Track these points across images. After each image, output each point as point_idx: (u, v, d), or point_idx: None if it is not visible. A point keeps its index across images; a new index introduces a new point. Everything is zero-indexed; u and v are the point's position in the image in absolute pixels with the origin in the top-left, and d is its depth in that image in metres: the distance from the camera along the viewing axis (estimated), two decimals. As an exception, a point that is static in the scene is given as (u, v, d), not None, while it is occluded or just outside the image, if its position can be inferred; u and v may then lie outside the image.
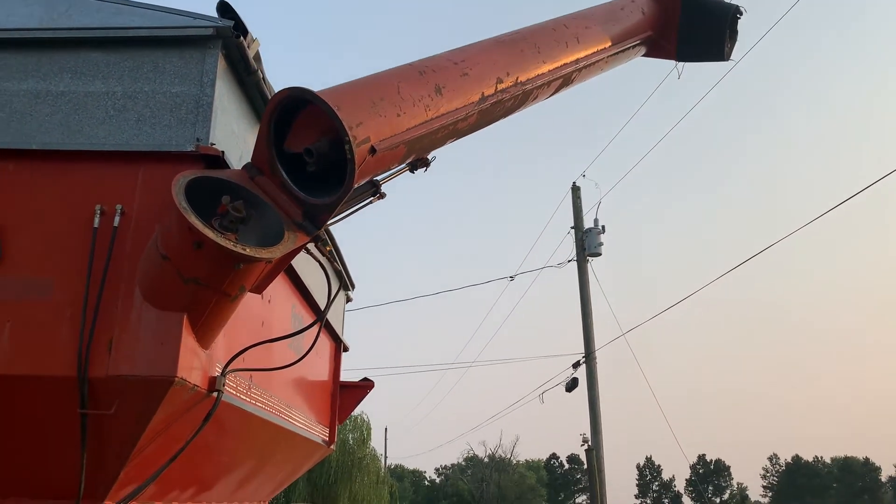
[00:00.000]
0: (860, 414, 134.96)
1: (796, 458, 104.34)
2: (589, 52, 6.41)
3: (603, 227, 19.59)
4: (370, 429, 29.54)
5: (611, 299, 21.45)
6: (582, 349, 18.82)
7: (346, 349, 8.52)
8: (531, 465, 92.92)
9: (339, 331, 8.24)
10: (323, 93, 3.85)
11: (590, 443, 17.97)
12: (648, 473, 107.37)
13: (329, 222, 4.13)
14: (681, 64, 8.18)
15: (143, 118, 4.21)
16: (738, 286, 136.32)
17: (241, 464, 5.91)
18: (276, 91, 4.10)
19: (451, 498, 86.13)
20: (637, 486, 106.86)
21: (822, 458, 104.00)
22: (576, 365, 18.73)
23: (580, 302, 19.37)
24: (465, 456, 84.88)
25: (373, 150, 3.95)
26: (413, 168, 5.06)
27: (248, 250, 3.52)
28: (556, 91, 6.34)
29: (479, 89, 5.00)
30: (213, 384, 4.09)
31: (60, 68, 4.33)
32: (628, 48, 7.16)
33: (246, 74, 4.65)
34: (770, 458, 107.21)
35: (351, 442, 28.13)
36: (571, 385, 18.51)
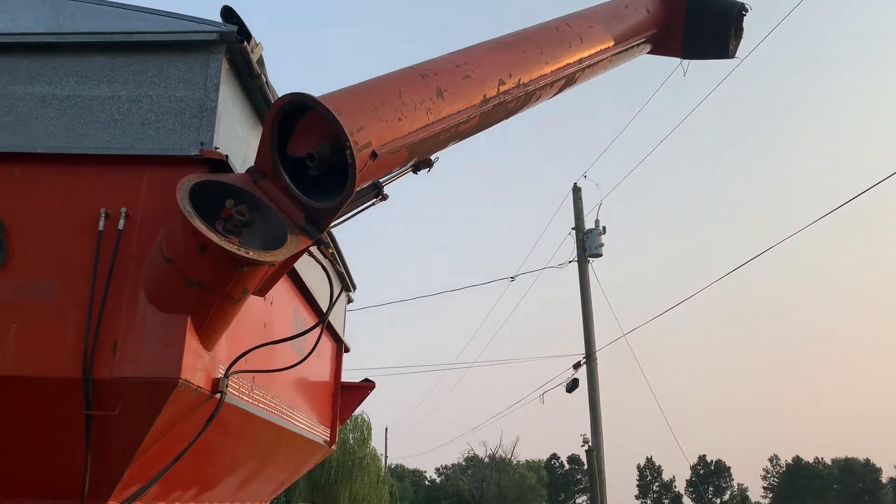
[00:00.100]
0: (861, 415, 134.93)
1: (797, 459, 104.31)
2: (593, 51, 6.37)
3: (604, 227, 19.62)
4: (371, 428, 29.60)
5: (611, 300, 21.50)
6: (582, 350, 18.86)
7: (347, 350, 8.56)
8: (531, 466, 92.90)
9: (340, 332, 8.28)
10: (324, 98, 3.89)
11: (590, 443, 17.99)
12: (649, 474, 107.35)
13: (331, 225, 4.17)
14: (686, 61, 8.15)
15: (147, 122, 4.25)
16: (739, 287, 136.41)
17: (243, 464, 5.95)
18: (279, 95, 4.14)
19: (451, 498, 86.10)
20: (637, 486, 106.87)
21: (822, 459, 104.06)
22: (576, 366, 18.76)
23: (581, 303, 19.40)
24: (466, 456, 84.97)
25: (374, 155, 3.99)
26: (416, 169, 5.09)
27: (251, 254, 3.56)
28: (560, 91, 6.31)
29: (481, 91, 5.01)
30: (216, 386, 4.13)
31: (66, 72, 4.37)
32: (633, 46, 7.13)
33: (249, 79, 4.68)
34: (770, 459, 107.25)
35: (351, 441, 28.16)
36: (572, 386, 18.53)
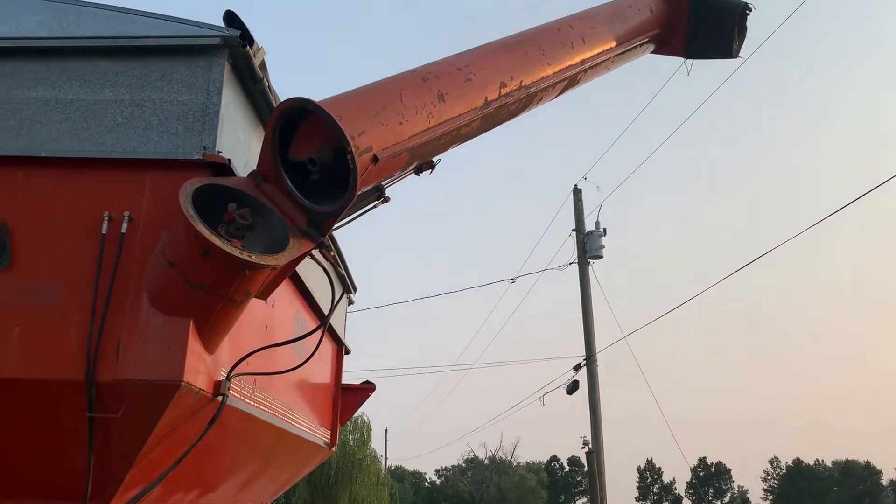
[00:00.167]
0: (861, 417, 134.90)
1: (797, 462, 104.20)
2: (595, 52, 6.35)
3: (604, 229, 19.67)
4: (370, 430, 29.63)
5: (612, 302, 21.52)
6: (583, 352, 18.88)
7: (347, 352, 8.57)
8: (532, 468, 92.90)
9: (340, 333, 8.29)
10: (325, 103, 3.91)
11: (590, 445, 18.02)
12: (649, 476, 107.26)
13: (333, 228, 4.20)
14: (689, 61, 8.13)
15: (150, 126, 4.28)
16: (740, 288, 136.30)
17: (244, 466, 5.97)
18: (281, 99, 4.17)
19: (451, 500, 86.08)
20: (637, 488, 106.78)
21: (822, 461, 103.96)
22: (577, 367, 18.78)
23: (581, 304, 19.44)
24: (466, 458, 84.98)
25: (375, 159, 4.01)
26: (418, 171, 5.11)
27: (253, 257, 3.59)
28: (562, 92, 6.29)
29: (482, 94, 5.01)
30: (218, 388, 4.15)
31: (69, 76, 4.39)
32: (636, 46, 7.11)
33: (252, 83, 4.70)
34: (771, 461, 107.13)
35: (351, 443, 28.18)
36: (572, 387, 18.57)
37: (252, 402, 4.87)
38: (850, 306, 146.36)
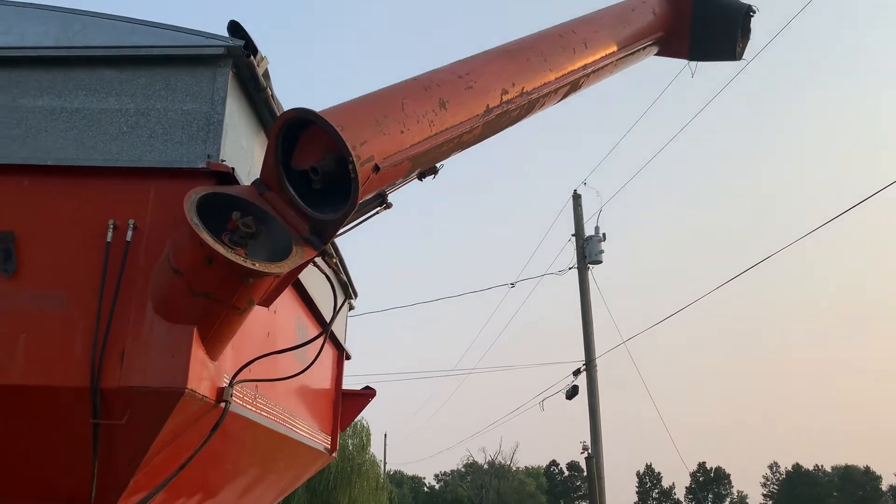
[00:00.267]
0: (861, 422, 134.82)
1: (797, 467, 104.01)
2: (598, 56, 6.32)
3: (604, 234, 19.68)
4: (370, 435, 29.60)
5: (611, 307, 21.54)
6: (582, 356, 18.89)
7: (348, 357, 8.59)
8: (531, 472, 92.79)
9: (341, 339, 8.31)
10: (327, 112, 3.95)
11: (590, 450, 18.01)
12: (648, 481, 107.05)
13: (335, 235, 4.23)
14: (693, 63, 8.11)
15: (155, 135, 4.32)
16: (740, 293, 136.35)
17: (245, 472, 6.00)
18: (284, 108, 4.20)
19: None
20: (637, 493, 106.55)
21: (822, 466, 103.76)
22: (576, 372, 18.79)
23: (581, 309, 19.45)
24: (465, 462, 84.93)
25: (377, 168, 4.05)
26: (421, 177, 5.14)
27: (257, 265, 3.62)
28: (565, 97, 6.27)
29: (483, 102, 5.02)
30: (221, 395, 4.18)
31: (75, 86, 4.44)
32: (639, 50, 7.09)
33: (255, 92, 4.75)
34: (770, 466, 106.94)
35: (350, 448, 28.14)
36: (572, 392, 18.56)
37: (254, 409, 4.90)
38: (850, 311, 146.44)
